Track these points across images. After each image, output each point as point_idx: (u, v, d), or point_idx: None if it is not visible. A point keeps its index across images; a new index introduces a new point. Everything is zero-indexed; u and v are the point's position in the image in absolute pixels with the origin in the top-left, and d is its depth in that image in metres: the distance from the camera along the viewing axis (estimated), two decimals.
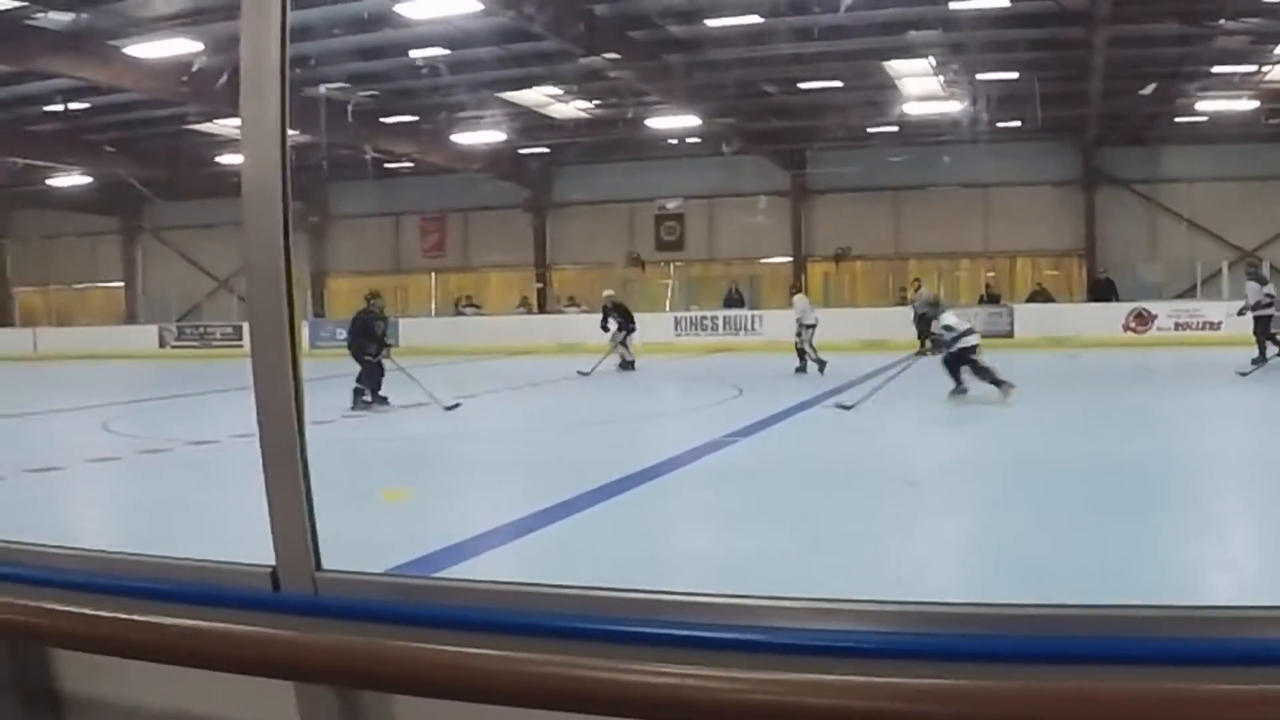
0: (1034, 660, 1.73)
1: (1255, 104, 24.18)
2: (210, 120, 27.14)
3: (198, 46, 20.10)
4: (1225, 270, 25.94)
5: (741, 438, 11.29)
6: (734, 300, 30.14)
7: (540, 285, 33.84)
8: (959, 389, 13.85)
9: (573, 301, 32.74)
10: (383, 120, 26.41)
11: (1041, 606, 1.94)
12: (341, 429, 13.34)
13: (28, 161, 30.21)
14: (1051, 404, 15.02)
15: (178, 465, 12.16)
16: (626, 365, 21.23)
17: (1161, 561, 6.19)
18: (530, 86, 24.31)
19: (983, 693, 1.57)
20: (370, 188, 29.94)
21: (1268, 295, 17.89)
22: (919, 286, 21.95)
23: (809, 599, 1.93)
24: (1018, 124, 25.81)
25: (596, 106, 26.61)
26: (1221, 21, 18.61)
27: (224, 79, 21.23)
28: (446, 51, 21.48)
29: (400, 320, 31.31)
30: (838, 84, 24.05)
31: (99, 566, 2.51)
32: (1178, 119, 26.01)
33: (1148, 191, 28.13)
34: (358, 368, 15.51)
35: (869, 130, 27.74)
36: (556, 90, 24.89)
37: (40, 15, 18.62)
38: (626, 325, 21.50)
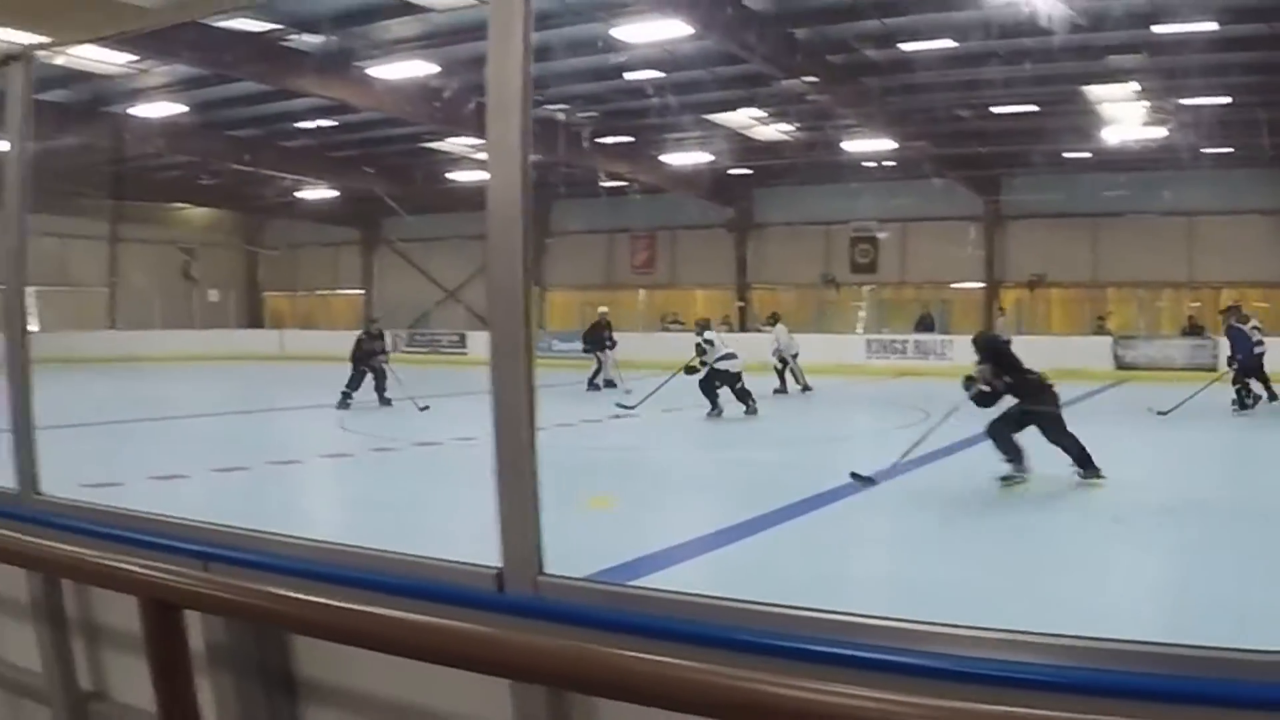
0: (1227, 704, 1.65)
1: None
2: (443, 139, 28.28)
3: (434, 69, 21.16)
4: None
5: (928, 463, 10.97)
6: (925, 324, 29.74)
7: (741, 304, 33.99)
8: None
9: (771, 320, 32.87)
10: (599, 140, 26.94)
11: (1239, 651, 1.79)
12: (557, 436, 13.25)
13: (280, 175, 32.06)
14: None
15: (404, 464, 12.62)
16: (608, 384, 22.00)
17: None
18: (735, 109, 24.53)
19: None
20: (585, 205, 30.60)
21: None
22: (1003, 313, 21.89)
23: (996, 629, 1.88)
24: (1226, 150, 24.53)
25: (797, 129, 26.63)
26: None
27: (451, 97, 22.48)
28: (659, 74, 21.86)
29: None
30: (1034, 108, 23.46)
31: (337, 558, 2.57)
32: None
33: None
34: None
35: (1066, 156, 26.82)
36: (760, 113, 25.03)
37: (294, 37, 19.73)
38: (609, 343, 22.56)
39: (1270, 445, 14.68)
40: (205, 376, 21.68)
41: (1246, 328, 17.47)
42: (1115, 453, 10.49)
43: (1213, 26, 17.68)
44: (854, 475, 10.03)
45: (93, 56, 19.41)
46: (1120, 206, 27.88)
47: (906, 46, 20.10)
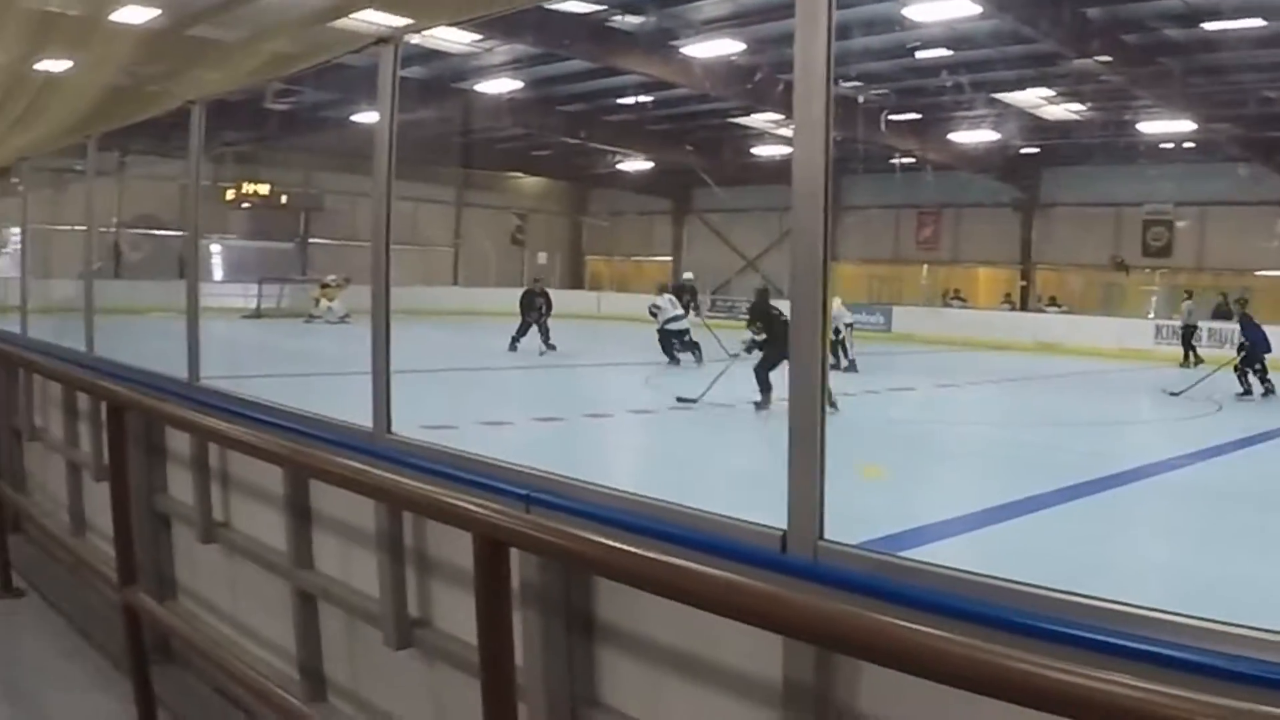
0: None
1: None
2: (748, 114, 29.05)
3: (739, 46, 21.96)
4: None
5: (1216, 455, 10.41)
6: (1222, 312, 28.05)
7: (1024, 284, 33.20)
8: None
9: (1054, 302, 32.09)
10: (890, 118, 26.93)
11: None
12: (840, 404, 12.63)
13: (604, 148, 33.83)
14: None
15: (699, 423, 12.99)
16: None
17: None
18: (1024, 88, 24.08)
19: None
20: (874, 181, 30.58)
21: None
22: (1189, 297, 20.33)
23: None
24: None
25: (1088, 109, 25.79)
26: None
27: (761, 76, 23.32)
28: (948, 52, 21.75)
29: (893, 308, 32.47)
30: None
31: (637, 508, 2.58)
32: None
33: None
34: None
35: None
36: (1049, 92, 24.45)
37: (618, 18, 21.08)
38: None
39: None
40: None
41: None
42: None
43: None
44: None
45: (443, 36, 21.28)
46: None
47: (1210, 26, 19.16)
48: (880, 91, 24.80)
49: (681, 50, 22.40)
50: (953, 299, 33.37)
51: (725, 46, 22.08)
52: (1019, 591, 1.94)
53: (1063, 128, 27.46)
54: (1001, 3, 18.22)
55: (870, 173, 29.97)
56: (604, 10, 20.71)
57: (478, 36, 22.40)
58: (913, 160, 30.11)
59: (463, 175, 37.81)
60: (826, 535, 2.24)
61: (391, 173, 3.48)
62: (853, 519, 2.51)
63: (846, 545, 2.21)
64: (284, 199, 35.15)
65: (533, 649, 2.71)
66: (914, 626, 1.54)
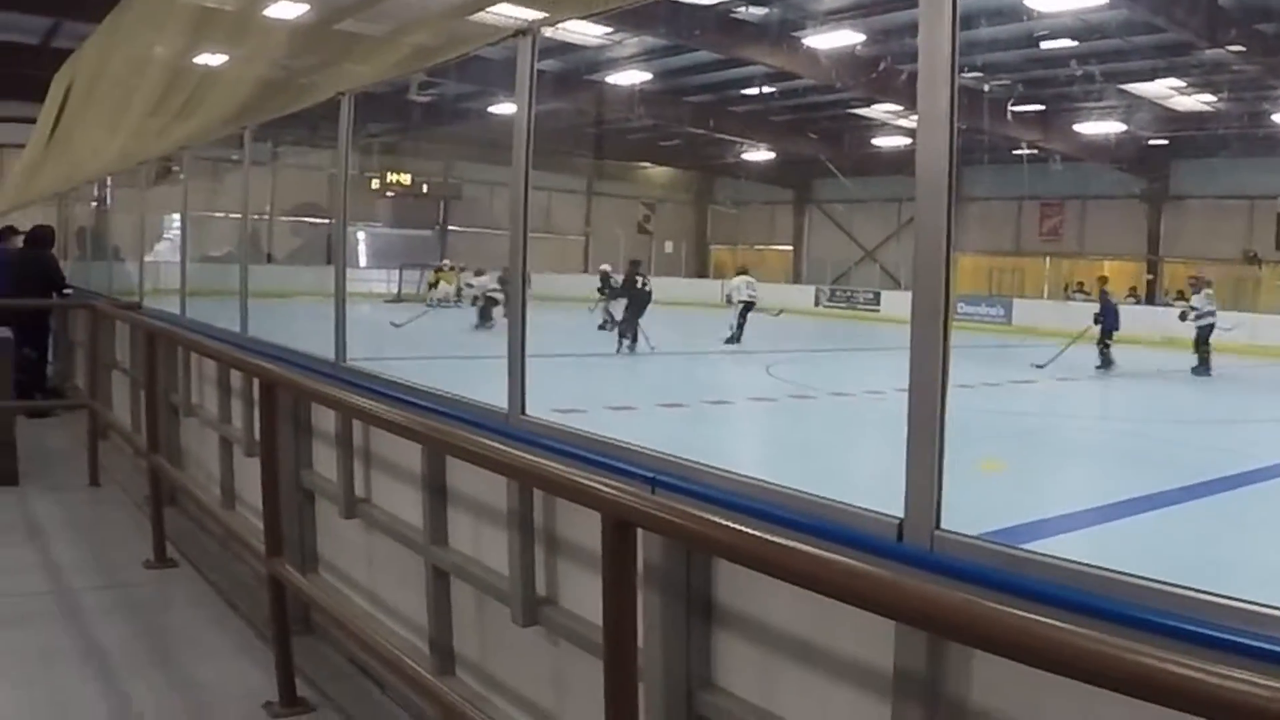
0: None
1: None
2: (869, 105, 28.58)
3: (860, 37, 21.73)
4: None
5: None
6: None
7: (1150, 277, 31.90)
8: None
9: (1181, 296, 30.63)
10: (1012, 109, 26.11)
11: None
12: (958, 396, 12.99)
13: (729, 138, 33.57)
14: None
15: (819, 412, 12.84)
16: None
17: None
18: (1153, 79, 23.18)
19: None
20: (996, 171, 29.82)
21: None
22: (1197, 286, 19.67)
23: None
24: None
25: (1220, 99, 24.55)
26: None
27: (884, 67, 22.90)
28: (1073, 43, 21.11)
29: (1014, 300, 31.58)
30: None
31: (757, 493, 2.54)
32: None
33: None
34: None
35: None
36: (1179, 82, 23.47)
37: (743, 9, 20.90)
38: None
39: None
40: (655, 322, 22.38)
41: None
42: None
43: None
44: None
45: (575, 29, 21.51)
46: None
47: None
48: (1002, 82, 24.20)
49: (805, 41, 22.18)
50: (1075, 291, 32.22)
51: (847, 37, 21.85)
52: (1140, 586, 1.86)
53: (1194, 119, 26.33)
54: None
55: (993, 163, 29.22)
56: (730, 2, 20.64)
57: (609, 29, 22.57)
58: (1036, 151, 29.26)
59: (594, 165, 37.96)
60: (943, 525, 2.18)
61: (529, 163, 3.48)
62: (969, 511, 2.42)
63: (963, 535, 2.15)
64: (425, 188, 35.99)
65: (653, 630, 2.67)
66: (1034, 617, 1.48)
